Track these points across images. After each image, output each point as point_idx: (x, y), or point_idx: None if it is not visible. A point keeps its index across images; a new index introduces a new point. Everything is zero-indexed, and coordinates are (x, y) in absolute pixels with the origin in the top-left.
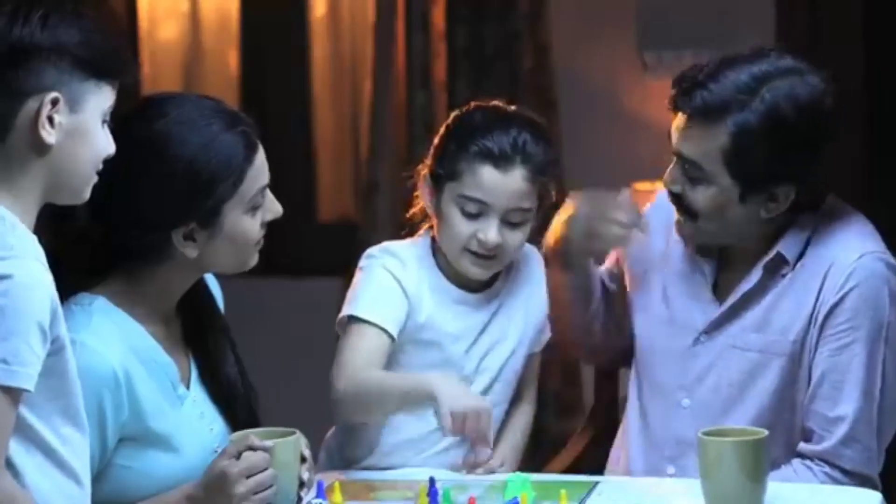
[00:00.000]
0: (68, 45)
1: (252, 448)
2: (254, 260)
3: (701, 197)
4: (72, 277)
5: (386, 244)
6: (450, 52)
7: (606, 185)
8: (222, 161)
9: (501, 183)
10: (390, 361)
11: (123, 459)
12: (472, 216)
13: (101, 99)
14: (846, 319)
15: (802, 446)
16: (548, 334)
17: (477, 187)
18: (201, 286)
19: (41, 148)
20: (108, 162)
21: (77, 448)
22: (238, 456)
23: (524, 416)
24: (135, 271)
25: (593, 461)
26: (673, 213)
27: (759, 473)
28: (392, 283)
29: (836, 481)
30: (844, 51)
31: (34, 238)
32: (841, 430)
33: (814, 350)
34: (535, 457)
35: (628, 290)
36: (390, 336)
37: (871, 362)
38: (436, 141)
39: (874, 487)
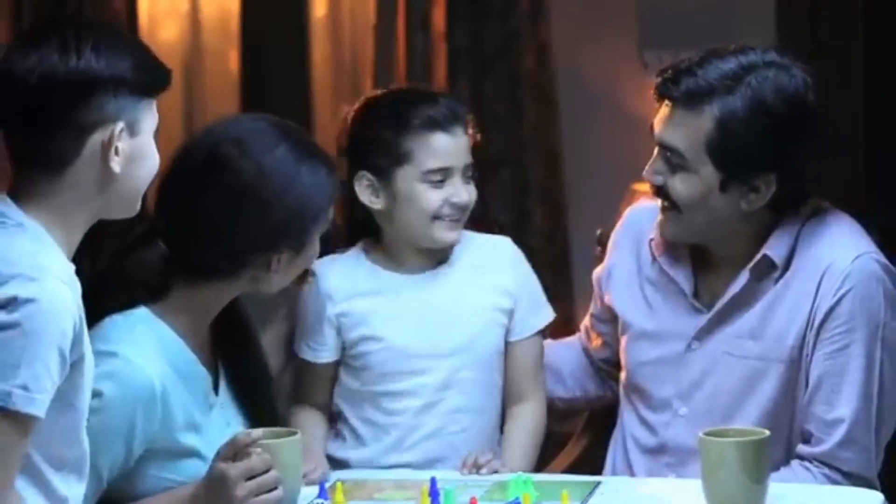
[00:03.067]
0: (124, 72)
1: (248, 449)
2: None
3: (682, 186)
4: (129, 293)
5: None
6: (450, 51)
7: (606, 184)
8: (323, 196)
9: (454, 144)
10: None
11: (156, 470)
12: (438, 184)
13: (153, 116)
14: (843, 322)
15: (801, 448)
16: (543, 318)
17: (436, 157)
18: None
19: (108, 177)
20: (208, 193)
21: (68, 479)
22: (235, 457)
23: (530, 416)
24: (195, 287)
25: (595, 461)
26: (642, 229)
27: (760, 473)
28: (319, 312)
29: (834, 483)
30: (845, 50)
31: (64, 258)
32: (839, 433)
33: (811, 353)
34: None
35: (617, 313)
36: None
37: (868, 364)
38: (355, 140)
39: (873, 489)
